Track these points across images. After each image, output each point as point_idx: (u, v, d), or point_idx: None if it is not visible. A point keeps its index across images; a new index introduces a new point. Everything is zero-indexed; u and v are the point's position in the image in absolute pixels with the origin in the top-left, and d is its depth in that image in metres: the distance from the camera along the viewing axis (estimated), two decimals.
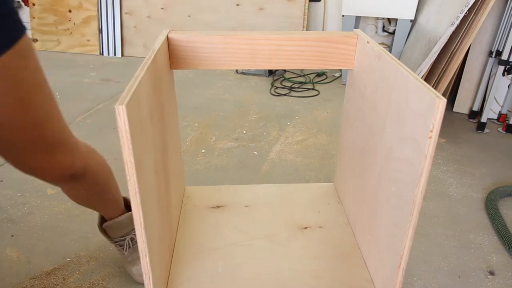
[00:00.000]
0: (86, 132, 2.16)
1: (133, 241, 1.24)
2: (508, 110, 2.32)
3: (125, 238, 1.24)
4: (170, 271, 0.80)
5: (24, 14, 3.62)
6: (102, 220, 1.22)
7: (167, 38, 0.80)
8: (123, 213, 1.20)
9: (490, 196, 1.64)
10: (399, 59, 2.62)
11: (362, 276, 0.79)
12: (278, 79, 3.01)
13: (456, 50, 1.98)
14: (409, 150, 0.58)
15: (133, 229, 1.23)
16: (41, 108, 0.76)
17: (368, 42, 0.77)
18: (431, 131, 0.51)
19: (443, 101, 0.49)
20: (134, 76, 0.55)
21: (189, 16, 3.30)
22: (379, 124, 0.70)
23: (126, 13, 3.41)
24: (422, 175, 0.54)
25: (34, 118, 0.76)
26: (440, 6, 2.26)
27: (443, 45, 1.97)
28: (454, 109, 2.47)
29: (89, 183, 0.98)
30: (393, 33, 2.91)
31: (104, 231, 1.23)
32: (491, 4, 1.86)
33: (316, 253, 0.84)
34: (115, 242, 1.24)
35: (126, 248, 1.24)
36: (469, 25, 1.93)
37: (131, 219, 1.20)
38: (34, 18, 3.52)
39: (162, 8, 3.35)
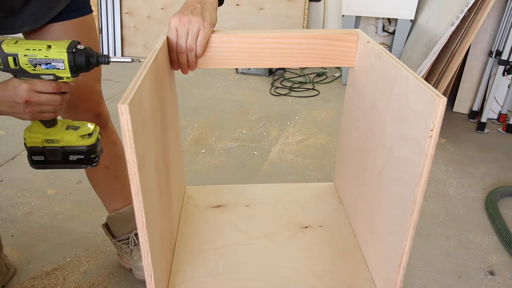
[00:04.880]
0: None
1: (138, 236, 1.26)
2: (508, 110, 2.33)
3: (130, 235, 1.26)
4: (171, 270, 0.80)
5: None
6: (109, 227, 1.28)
7: (168, 38, 0.80)
8: None
9: (490, 196, 1.64)
10: (399, 59, 2.62)
11: (363, 275, 0.79)
12: (278, 79, 3.01)
13: (456, 50, 1.98)
14: (410, 149, 0.58)
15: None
16: None
17: (368, 42, 0.77)
18: (431, 130, 0.52)
19: (444, 100, 0.50)
20: (136, 76, 0.55)
21: None
22: (379, 124, 0.70)
23: (126, 13, 3.41)
24: (422, 174, 0.55)
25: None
26: (440, 6, 2.26)
27: (443, 45, 1.97)
28: (454, 109, 2.47)
29: (109, 146, 1.12)
30: (393, 33, 2.91)
31: (109, 230, 1.27)
32: (491, 4, 1.86)
33: (317, 252, 0.84)
34: (120, 241, 1.25)
35: (131, 243, 1.25)
36: (469, 25, 1.93)
37: (133, 213, 1.24)
38: None
39: (162, 8, 3.35)
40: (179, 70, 0.84)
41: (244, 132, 2.21)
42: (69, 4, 0.97)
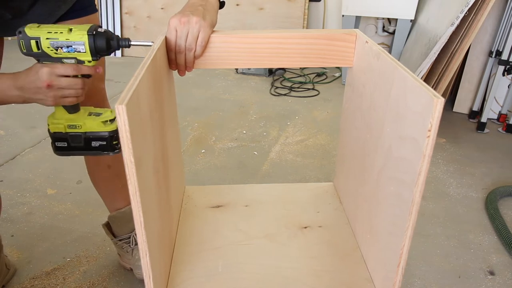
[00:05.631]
0: None
1: None
2: (508, 110, 2.32)
3: (131, 235, 1.26)
4: (170, 270, 0.80)
5: None
6: (109, 226, 1.28)
7: (166, 38, 0.80)
8: None
9: (490, 196, 1.64)
10: (399, 59, 2.62)
11: (362, 275, 0.79)
12: (278, 79, 3.01)
13: (456, 50, 1.98)
14: (408, 149, 0.58)
15: None
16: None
17: (366, 42, 0.77)
18: (429, 130, 0.52)
19: (441, 100, 0.50)
20: (134, 76, 0.56)
21: None
22: (378, 124, 0.70)
23: (126, 13, 3.41)
24: (420, 174, 0.55)
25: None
26: (440, 6, 2.26)
27: (443, 45, 1.97)
28: (454, 109, 2.47)
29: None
30: (393, 33, 2.91)
31: (109, 229, 1.27)
32: (491, 4, 1.86)
33: (316, 252, 0.84)
34: (121, 240, 1.25)
35: (132, 242, 1.26)
36: (469, 25, 1.93)
37: None
38: None
39: (162, 8, 3.35)
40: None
41: (244, 132, 2.21)
42: (75, 3, 0.97)
